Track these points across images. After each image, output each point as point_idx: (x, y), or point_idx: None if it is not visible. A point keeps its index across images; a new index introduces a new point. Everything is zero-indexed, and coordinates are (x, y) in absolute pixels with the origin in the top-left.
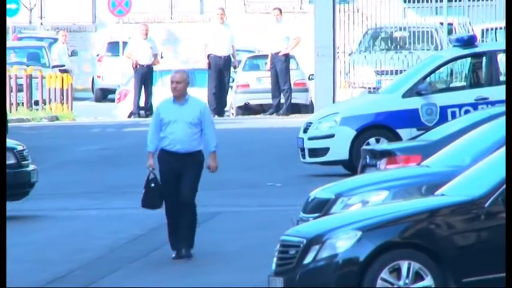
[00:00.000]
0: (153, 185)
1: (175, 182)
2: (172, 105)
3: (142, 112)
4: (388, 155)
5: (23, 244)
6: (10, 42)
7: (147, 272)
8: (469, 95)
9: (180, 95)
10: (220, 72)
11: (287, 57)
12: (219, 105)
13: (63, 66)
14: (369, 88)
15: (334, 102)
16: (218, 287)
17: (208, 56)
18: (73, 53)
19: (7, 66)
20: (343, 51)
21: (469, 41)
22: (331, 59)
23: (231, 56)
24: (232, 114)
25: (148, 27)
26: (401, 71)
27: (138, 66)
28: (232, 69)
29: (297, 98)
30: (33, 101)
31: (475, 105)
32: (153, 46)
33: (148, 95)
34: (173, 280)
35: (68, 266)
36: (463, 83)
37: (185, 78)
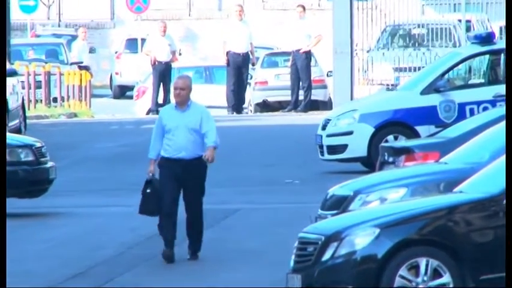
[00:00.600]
0: (148, 190)
1: (175, 190)
2: (175, 112)
3: (160, 109)
4: (407, 152)
5: (43, 241)
6: (28, 39)
7: (166, 269)
8: (488, 92)
9: (183, 102)
10: (239, 69)
11: (308, 55)
12: (237, 102)
13: (82, 62)
14: (387, 85)
15: (352, 99)
16: (233, 287)
17: (227, 53)
18: (91, 50)
19: (26, 63)
20: (362, 48)
21: (487, 38)
22: (349, 56)
23: (250, 53)
24: (251, 111)
25: (166, 24)
26: (419, 68)
27: (156, 63)
28: (250, 66)
29: (316, 95)
30: (51, 98)
31: (493, 102)
32: (172, 43)
33: (167, 92)
34: (193, 277)
35: (88, 263)
36: (481, 80)
37: (188, 85)
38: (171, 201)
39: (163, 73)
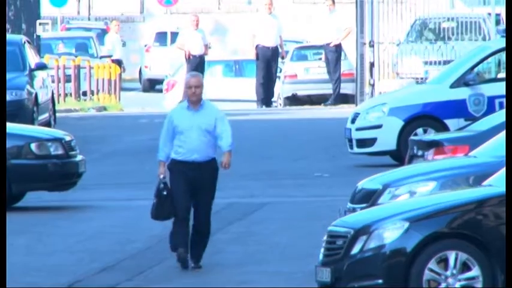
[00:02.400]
0: (165, 193)
1: (188, 193)
2: (187, 112)
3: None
4: (436, 145)
5: (72, 234)
6: (58, 32)
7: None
8: None
9: (197, 100)
10: (268, 62)
11: (338, 48)
12: (266, 95)
13: (111, 56)
14: (417, 78)
15: (372, 92)
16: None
17: (256, 46)
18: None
19: (55, 57)
20: (391, 42)
21: None
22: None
23: (279, 46)
24: (280, 104)
25: (198, 18)
26: (449, 62)
27: (191, 57)
28: (280, 59)
29: (345, 88)
30: (81, 92)
31: None
32: (204, 36)
33: None
34: (224, 269)
35: (117, 256)
36: None
37: (202, 82)
38: (185, 207)
39: (197, 66)
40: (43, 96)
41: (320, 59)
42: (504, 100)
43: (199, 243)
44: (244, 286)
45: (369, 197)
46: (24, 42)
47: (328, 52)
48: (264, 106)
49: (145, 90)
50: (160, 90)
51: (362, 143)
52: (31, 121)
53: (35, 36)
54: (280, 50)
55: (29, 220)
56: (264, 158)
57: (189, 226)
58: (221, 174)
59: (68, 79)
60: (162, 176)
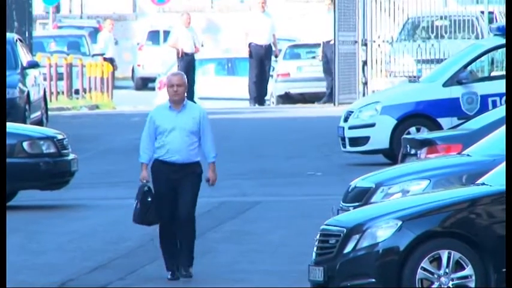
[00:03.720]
0: (149, 198)
1: (172, 197)
2: (169, 112)
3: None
4: (429, 144)
5: (64, 233)
6: (50, 30)
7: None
8: None
9: (180, 100)
10: (261, 61)
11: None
12: (259, 94)
13: (104, 54)
14: (410, 77)
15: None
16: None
17: (249, 44)
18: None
19: (47, 55)
20: (383, 40)
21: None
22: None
23: (272, 44)
24: (273, 103)
25: (190, 16)
26: (441, 60)
27: (183, 55)
28: (273, 58)
29: None
30: (73, 90)
31: None
32: (194, 34)
33: (192, 83)
34: (216, 268)
35: (110, 255)
36: (504, 72)
37: (185, 81)
38: (169, 212)
39: (188, 65)
40: (35, 95)
41: (313, 57)
42: (497, 99)
43: (184, 247)
44: (236, 286)
45: (362, 196)
46: (16, 41)
47: (327, 50)
48: (256, 104)
49: (138, 88)
50: (153, 89)
51: (355, 141)
52: (23, 119)
53: (27, 35)
54: (273, 49)
55: (21, 219)
56: (256, 157)
57: (176, 235)
58: None
59: (60, 77)
60: (145, 180)
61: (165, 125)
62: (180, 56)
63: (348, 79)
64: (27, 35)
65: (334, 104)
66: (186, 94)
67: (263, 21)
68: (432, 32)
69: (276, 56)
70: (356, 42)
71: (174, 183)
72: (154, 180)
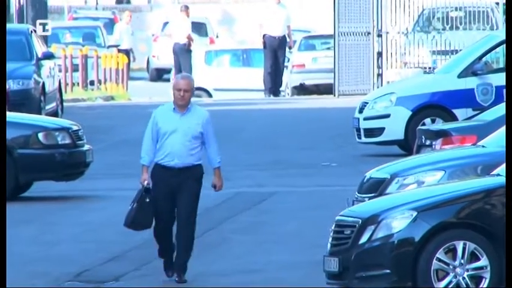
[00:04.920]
0: (147, 200)
1: (170, 203)
2: (172, 114)
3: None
4: (444, 135)
5: (79, 224)
6: (65, 22)
7: (203, 251)
8: None
9: (185, 104)
10: (275, 52)
11: None
12: (274, 85)
13: (119, 46)
14: (425, 68)
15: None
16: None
17: (264, 36)
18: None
19: (63, 46)
20: (398, 31)
21: None
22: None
23: (287, 36)
24: (288, 94)
25: (189, 8)
26: (456, 51)
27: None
28: (287, 49)
29: None
30: (88, 81)
31: None
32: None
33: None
34: (231, 259)
35: (124, 246)
36: None
37: (192, 86)
38: (168, 216)
39: (181, 54)
40: (50, 86)
41: (328, 48)
42: None
43: (181, 251)
44: (251, 276)
45: (377, 187)
46: (31, 32)
47: None
48: (271, 95)
49: (152, 79)
50: (168, 80)
51: (370, 132)
52: (38, 111)
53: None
54: (288, 40)
55: (35, 210)
56: (271, 148)
57: (172, 239)
58: (228, 164)
59: (75, 68)
60: (145, 183)
61: (167, 127)
62: (189, 46)
63: (357, 71)
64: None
65: (334, 95)
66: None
67: (277, 12)
68: (447, 23)
69: (290, 48)
70: (369, 33)
71: (173, 189)
72: (154, 186)
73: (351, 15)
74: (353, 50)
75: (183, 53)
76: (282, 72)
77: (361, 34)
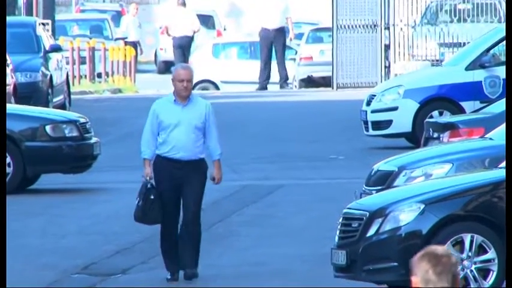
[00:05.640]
0: (152, 196)
1: (175, 195)
2: (173, 106)
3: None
4: (451, 127)
5: (86, 217)
6: (73, 14)
7: (211, 244)
8: None
9: (188, 95)
10: (270, 45)
11: None
12: (263, 79)
13: (126, 38)
14: (432, 60)
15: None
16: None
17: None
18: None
19: (70, 39)
20: (406, 24)
21: None
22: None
23: (288, 27)
24: (295, 86)
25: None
26: (464, 44)
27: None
28: (289, 41)
29: None
30: (95, 74)
31: None
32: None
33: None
34: (238, 251)
35: (131, 239)
36: None
37: (193, 75)
38: (173, 208)
39: (180, 47)
40: (58, 78)
41: None
42: None
43: (190, 246)
44: (258, 269)
45: (385, 180)
46: (39, 24)
47: None
48: (261, 89)
49: (160, 72)
50: None
51: (377, 125)
52: (46, 103)
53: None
54: (290, 31)
55: (43, 202)
56: (279, 141)
57: (177, 234)
58: (235, 157)
59: (82, 61)
60: (148, 177)
61: (169, 119)
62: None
63: (360, 63)
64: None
65: (333, 88)
66: None
67: (273, 4)
68: (455, 16)
69: (291, 39)
70: (376, 26)
71: (178, 181)
72: (158, 178)
73: (354, 8)
74: (356, 42)
75: (189, 46)
76: (283, 64)
77: (365, 27)
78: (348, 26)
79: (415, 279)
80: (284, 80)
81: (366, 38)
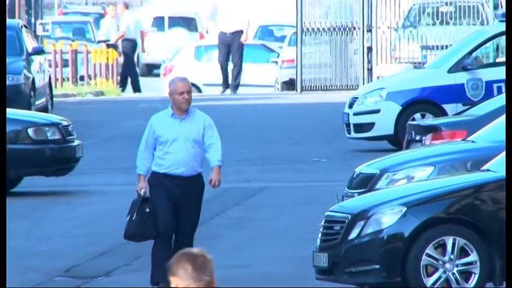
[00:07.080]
0: (147, 209)
1: (172, 212)
2: (171, 120)
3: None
4: (434, 130)
5: (69, 219)
6: (56, 17)
7: (193, 246)
8: None
9: (187, 108)
10: (227, 48)
11: None
12: (226, 80)
13: (109, 41)
14: (415, 63)
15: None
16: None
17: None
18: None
19: (52, 41)
20: (388, 26)
21: None
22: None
23: (243, 30)
24: (278, 89)
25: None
26: (447, 46)
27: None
28: (244, 42)
29: None
30: (78, 76)
31: None
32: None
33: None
34: (220, 254)
35: (115, 241)
36: None
37: (191, 86)
38: (170, 225)
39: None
40: (40, 81)
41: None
42: (502, 85)
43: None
44: (240, 271)
45: (367, 182)
46: (22, 27)
47: None
48: (226, 91)
49: (143, 74)
50: (158, 75)
51: (360, 127)
52: (28, 106)
53: (32, 21)
54: (244, 33)
55: (26, 205)
56: (261, 143)
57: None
58: None
59: (65, 64)
60: (142, 192)
61: (167, 134)
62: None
63: (340, 66)
64: (33, 21)
65: (297, 91)
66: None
67: (233, 8)
68: (437, 18)
69: (245, 41)
70: (355, 28)
71: (176, 198)
72: (155, 194)
73: (327, 11)
74: (325, 45)
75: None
76: (237, 68)
77: (338, 29)
78: (317, 29)
79: (176, 279)
80: (234, 86)
81: (339, 41)
